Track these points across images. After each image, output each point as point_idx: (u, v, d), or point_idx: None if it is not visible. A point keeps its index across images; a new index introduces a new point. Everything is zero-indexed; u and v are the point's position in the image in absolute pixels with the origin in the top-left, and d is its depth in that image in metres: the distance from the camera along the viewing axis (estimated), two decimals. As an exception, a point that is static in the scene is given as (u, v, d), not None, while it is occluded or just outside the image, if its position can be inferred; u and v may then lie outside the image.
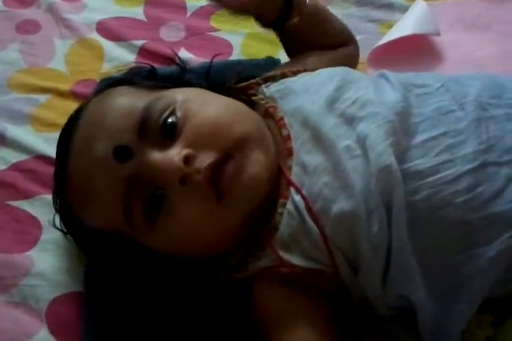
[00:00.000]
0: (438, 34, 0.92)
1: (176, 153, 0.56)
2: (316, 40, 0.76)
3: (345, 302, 0.60)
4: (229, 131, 0.58)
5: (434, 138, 0.58)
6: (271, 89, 0.67)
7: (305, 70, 0.70)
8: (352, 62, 0.79)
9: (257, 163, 0.58)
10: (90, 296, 0.67)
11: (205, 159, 0.56)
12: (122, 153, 0.57)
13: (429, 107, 0.60)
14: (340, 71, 0.67)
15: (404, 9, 0.95)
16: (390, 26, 0.93)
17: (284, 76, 0.69)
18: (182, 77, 0.70)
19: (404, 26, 0.92)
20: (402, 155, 0.57)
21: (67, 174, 0.61)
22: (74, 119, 0.63)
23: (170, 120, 0.58)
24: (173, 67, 0.76)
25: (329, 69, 0.68)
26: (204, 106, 0.60)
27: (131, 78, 0.68)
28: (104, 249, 0.63)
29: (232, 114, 0.61)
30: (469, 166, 0.56)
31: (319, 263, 0.57)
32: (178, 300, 0.64)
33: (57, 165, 0.64)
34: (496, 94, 0.62)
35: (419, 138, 0.58)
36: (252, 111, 0.64)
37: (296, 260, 0.57)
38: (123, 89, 0.64)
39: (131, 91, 0.63)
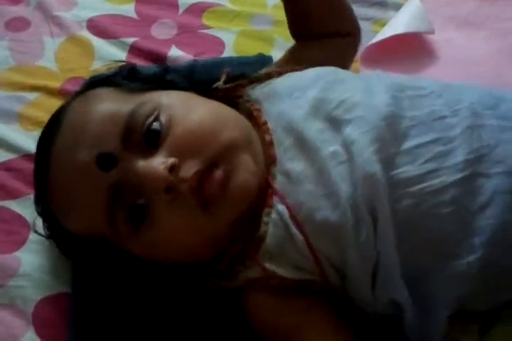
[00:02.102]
0: (432, 32, 0.91)
1: (160, 162, 0.55)
2: (326, 22, 0.74)
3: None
4: (214, 138, 0.57)
5: (423, 144, 0.56)
6: (256, 91, 0.66)
7: (292, 70, 0.68)
8: (353, 54, 0.79)
9: (245, 169, 0.57)
10: (77, 297, 0.66)
11: (191, 168, 0.55)
12: (106, 161, 0.56)
13: (422, 111, 0.59)
14: (327, 71, 0.66)
15: (397, 7, 0.95)
16: (383, 24, 0.93)
17: (269, 77, 0.68)
18: (164, 77, 0.69)
19: (398, 24, 0.91)
20: (389, 161, 0.56)
21: (48, 179, 0.60)
22: (55, 122, 0.62)
23: (153, 127, 0.57)
24: (158, 67, 0.74)
25: (317, 70, 0.67)
26: (189, 113, 0.59)
27: (112, 79, 0.66)
28: (87, 254, 0.62)
29: (218, 120, 0.59)
30: (457, 176, 0.55)
31: (307, 272, 0.57)
32: (165, 303, 0.63)
33: (38, 169, 0.63)
34: (491, 105, 0.60)
35: (409, 143, 0.57)
36: (240, 116, 0.63)
37: (283, 272, 0.57)
38: (105, 92, 0.63)
39: (113, 95, 0.62)
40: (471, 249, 0.53)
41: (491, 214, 0.54)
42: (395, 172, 0.55)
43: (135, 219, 0.56)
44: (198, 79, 0.69)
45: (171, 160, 0.55)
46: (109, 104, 0.60)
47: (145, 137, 0.57)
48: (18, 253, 0.70)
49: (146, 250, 0.59)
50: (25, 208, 0.74)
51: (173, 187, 0.55)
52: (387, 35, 0.89)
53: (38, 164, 0.63)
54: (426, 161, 0.55)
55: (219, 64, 0.76)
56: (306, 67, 0.68)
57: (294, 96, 0.62)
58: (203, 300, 0.62)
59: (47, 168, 0.60)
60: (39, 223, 0.67)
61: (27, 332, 0.65)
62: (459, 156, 0.56)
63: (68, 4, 0.98)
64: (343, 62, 0.76)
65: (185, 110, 0.59)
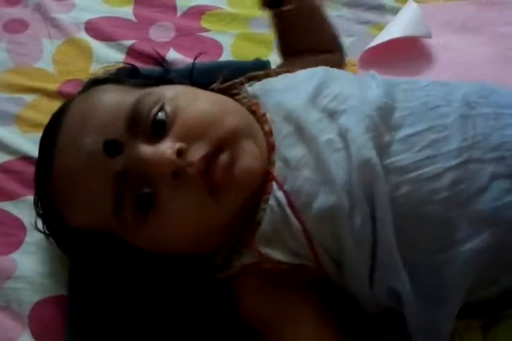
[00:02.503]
0: (429, 36, 0.91)
1: (167, 147, 0.55)
2: (308, 38, 0.77)
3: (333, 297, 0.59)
4: (219, 124, 0.57)
5: (418, 133, 0.57)
6: (254, 87, 0.67)
7: (288, 71, 0.70)
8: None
9: (249, 154, 0.57)
10: (74, 300, 0.66)
11: (198, 152, 0.55)
12: (112, 147, 0.56)
13: (416, 102, 0.60)
14: (321, 69, 0.67)
15: (395, 11, 0.95)
16: (381, 28, 0.93)
17: (267, 76, 0.69)
18: (165, 75, 0.69)
19: (395, 28, 0.91)
20: (384, 150, 0.56)
21: (52, 171, 0.60)
22: (58, 116, 0.62)
23: (159, 116, 0.57)
24: (158, 68, 0.75)
25: (310, 69, 0.68)
26: (193, 101, 0.60)
27: (115, 77, 0.67)
28: (88, 249, 0.62)
29: (222, 107, 0.60)
30: (452, 162, 0.55)
31: (302, 257, 0.57)
32: (164, 302, 0.63)
33: (41, 163, 0.63)
34: (484, 95, 0.61)
35: (404, 132, 0.57)
36: (242, 107, 0.63)
37: (278, 255, 0.56)
38: (109, 87, 0.64)
39: (117, 89, 0.63)
40: (473, 233, 0.54)
41: (490, 197, 0.54)
42: (391, 160, 0.56)
43: (141, 208, 0.56)
44: (197, 82, 0.69)
45: (178, 144, 0.55)
46: (114, 95, 0.60)
47: (152, 124, 0.57)
48: (14, 256, 0.70)
49: (152, 240, 0.58)
50: (21, 210, 0.74)
51: (181, 171, 0.55)
52: (384, 39, 0.90)
53: (42, 156, 0.63)
54: (421, 149, 0.56)
55: (217, 68, 0.77)
56: None
57: (292, 89, 0.63)
58: (200, 296, 0.62)
59: (51, 157, 0.60)
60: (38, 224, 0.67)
61: (23, 335, 0.64)
62: (454, 143, 0.56)
63: (66, 6, 0.98)
64: None
65: (189, 100, 0.60)
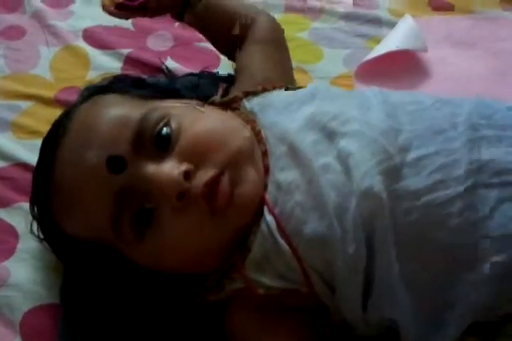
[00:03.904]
0: (425, 50, 0.92)
1: (173, 167, 0.55)
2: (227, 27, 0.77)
3: (327, 319, 0.59)
4: (224, 145, 0.57)
5: (427, 156, 0.56)
6: (251, 102, 0.66)
7: (282, 86, 0.69)
8: (278, 35, 0.80)
9: (250, 181, 0.57)
10: (66, 308, 0.65)
11: (204, 174, 0.55)
12: (116, 163, 0.56)
13: (421, 125, 0.59)
14: (321, 87, 0.67)
15: (391, 25, 0.96)
16: (378, 41, 0.94)
17: (265, 90, 0.68)
18: (171, 87, 0.69)
19: (392, 42, 0.92)
20: (393, 174, 0.55)
21: (52, 180, 0.59)
22: (62, 124, 0.61)
23: (164, 131, 0.57)
24: (161, 77, 0.75)
25: (311, 85, 0.68)
26: (198, 120, 0.59)
27: (119, 86, 0.67)
28: (83, 258, 0.61)
29: (226, 128, 0.60)
30: (461, 187, 0.55)
31: (293, 282, 0.56)
32: (155, 316, 0.62)
33: (40, 170, 0.62)
34: (486, 115, 0.61)
35: (412, 155, 0.56)
36: (243, 125, 0.63)
37: (269, 281, 0.56)
38: (113, 98, 0.63)
39: (122, 100, 0.62)
40: (482, 261, 0.54)
41: (498, 224, 0.54)
42: (401, 184, 0.55)
43: (141, 225, 0.56)
44: (202, 93, 0.69)
45: (186, 166, 0.55)
46: (119, 108, 0.60)
47: (155, 141, 0.57)
48: (6, 263, 0.69)
49: (149, 257, 0.58)
50: (14, 217, 0.73)
51: (186, 193, 0.54)
52: (381, 52, 0.90)
53: (42, 164, 0.62)
54: (431, 172, 0.55)
55: (222, 79, 0.77)
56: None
57: (289, 110, 0.63)
58: (190, 315, 0.62)
59: (51, 168, 0.59)
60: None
61: (14, 343, 0.64)
62: (462, 168, 0.56)
63: (64, 14, 0.98)
64: (273, 47, 0.78)
65: (194, 117, 0.60)
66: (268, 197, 0.57)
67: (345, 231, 0.54)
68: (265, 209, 0.57)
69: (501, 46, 0.94)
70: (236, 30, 0.77)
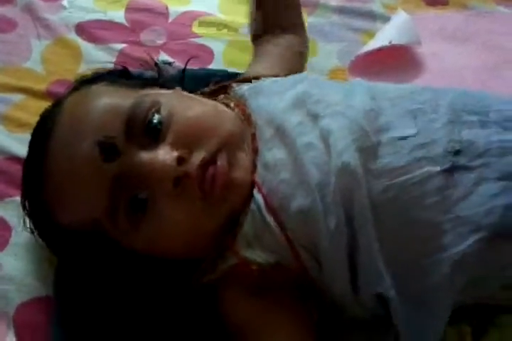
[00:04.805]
0: (419, 45, 0.92)
1: (165, 153, 0.55)
2: (282, 14, 0.79)
3: (318, 304, 0.59)
4: (215, 130, 0.58)
5: (405, 136, 0.57)
6: (243, 88, 0.67)
7: (277, 75, 0.70)
8: (303, 46, 0.83)
9: (242, 166, 0.58)
10: (60, 300, 0.65)
11: (196, 160, 0.56)
12: (109, 152, 0.56)
13: (403, 109, 0.60)
14: (309, 76, 0.69)
15: (385, 19, 0.96)
16: (372, 35, 0.94)
17: (256, 79, 0.69)
18: (158, 78, 0.69)
19: (386, 36, 0.92)
20: (371, 152, 0.56)
21: (44, 171, 0.59)
22: (50, 116, 0.61)
23: (156, 119, 0.57)
24: (149, 71, 0.74)
25: (301, 74, 0.69)
26: (188, 106, 0.60)
27: (105, 76, 0.66)
28: (77, 248, 0.61)
29: (216, 114, 0.61)
30: (438, 168, 0.56)
31: (283, 258, 0.57)
32: (151, 304, 0.62)
33: (32, 162, 0.62)
34: (470, 103, 0.62)
35: (390, 134, 0.58)
36: (233, 113, 0.63)
37: (257, 257, 0.57)
38: (101, 87, 0.63)
39: (110, 90, 0.62)
40: (461, 238, 0.54)
41: (476, 202, 0.55)
42: (378, 162, 0.56)
43: (136, 211, 0.56)
44: (188, 87, 0.69)
45: (178, 151, 0.56)
46: (110, 97, 0.60)
47: (147, 129, 0.57)
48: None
49: (144, 243, 0.58)
50: (7, 210, 0.73)
51: (181, 178, 0.55)
52: (375, 47, 0.91)
53: (32, 156, 0.62)
54: (409, 152, 0.56)
55: (210, 75, 0.77)
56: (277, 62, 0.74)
57: (278, 93, 0.64)
58: (186, 298, 0.62)
59: (43, 160, 0.59)
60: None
61: (8, 335, 0.63)
62: (440, 148, 0.57)
63: (57, 7, 0.97)
64: (298, 53, 0.81)
65: (185, 104, 0.60)
66: (257, 177, 0.58)
67: (326, 206, 0.55)
68: (255, 188, 0.57)
69: (495, 41, 0.94)
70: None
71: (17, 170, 0.74)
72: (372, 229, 0.54)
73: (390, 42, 0.90)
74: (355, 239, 0.55)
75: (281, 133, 0.59)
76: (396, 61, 0.91)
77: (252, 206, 0.57)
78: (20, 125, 0.81)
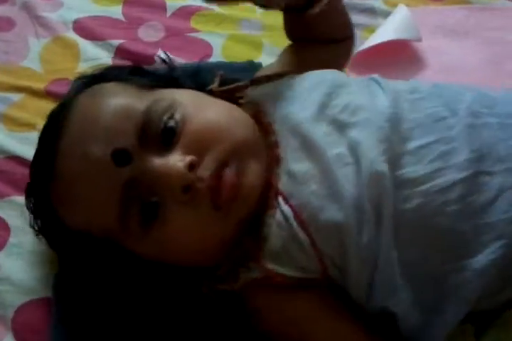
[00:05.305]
0: (419, 40, 0.91)
1: (177, 160, 0.55)
2: (326, 33, 0.75)
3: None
4: (228, 136, 0.57)
5: (427, 144, 0.57)
6: (258, 91, 0.66)
7: (291, 72, 0.68)
8: (347, 57, 0.80)
9: (254, 173, 0.57)
10: (59, 302, 0.65)
11: (208, 166, 0.55)
12: (121, 157, 0.55)
13: (422, 113, 0.59)
14: (329, 74, 0.66)
15: (386, 14, 0.95)
16: (372, 31, 0.93)
17: (269, 79, 0.67)
18: (171, 75, 0.68)
19: (386, 31, 0.91)
20: (395, 162, 0.56)
21: (54, 173, 0.58)
22: (61, 115, 0.60)
23: (170, 124, 0.57)
24: (159, 66, 0.73)
25: (317, 73, 0.66)
26: (202, 111, 0.59)
27: (115, 74, 0.65)
28: (83, 250, 0.61)
29: (230, 119, 0.60)
30: (462, 175, 0.55)
31: (310, 271, 0.56)
32: (155, 309, 0.62)
33: (40, 162, 0.61)
34: (488, 105, 0.61)
35: (413, 144, 0.57)
36: (247, 117, 0.62)
37: (285, 271, 0.56)
38: (113, 87, 0.62)
39: (122, 90, 0.61)
40: (483, 246, 0.54)
41: (500, 210, 0.54)
42: (401, 172, 0.55)
43: (147, 217, 0.56)
44: (202, 82, 0.68)
45: (190, 158, 0.55)
46: (122, 99, 0.59)
47: (162, 134, 0.56)
48: (-2, 257, 0.69)
49: (153, 250, 0.58)
50: (6, 210, 0.72)
51: (191, 186, 0.54)
52: (375, 42, 0.90)
53: (41, 156, 0.61)
54: (431, 161, 0.56)
55: (220, 68, 0.75)
56: (305, 70, 0.68)
57: (300, 98, 0.62)
58: (195, 305, 0.61)
59: (52, 161, 0.58)
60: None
61: (5, 338, 0.63)
62: (462, 155, 0.56)
63: (54, 5, 0.96)
64: (338, 64, 0.77)
65: (198, 108, 0.59)
66: (282, 187, 0.57)
67: (360, 221, 0.54)
68: (280, 199, 0.57)
69: (495, 35, 0.93)
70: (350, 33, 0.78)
71: (16, 169, 0.75)
72: (392, 240, 0.54)
73: (390, 38, 0.89)
74: (379, 251, 0.54)
75: (308, 144, 0.58)
76: (397, 57, 0.91)
77: (278, 217, 0.56)
78: (19, 124, 0.81)
